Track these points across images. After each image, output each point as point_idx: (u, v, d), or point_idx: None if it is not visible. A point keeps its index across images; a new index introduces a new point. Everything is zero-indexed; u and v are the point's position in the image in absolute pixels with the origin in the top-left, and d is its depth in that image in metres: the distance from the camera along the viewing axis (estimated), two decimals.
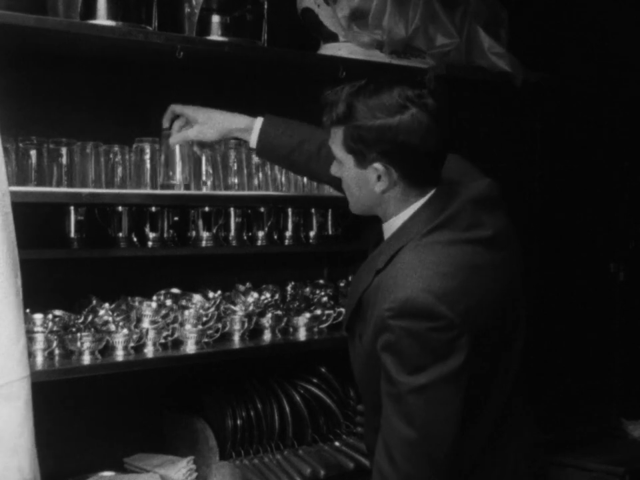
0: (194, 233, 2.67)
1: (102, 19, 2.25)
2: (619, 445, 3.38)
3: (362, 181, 1.87)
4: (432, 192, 1.86)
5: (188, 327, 2.43)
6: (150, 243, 2.59)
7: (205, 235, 2.67)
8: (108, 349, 2.30)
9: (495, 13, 3.07)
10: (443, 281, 1.73)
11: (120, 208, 2.51)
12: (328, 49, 2.81)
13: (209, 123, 2.34)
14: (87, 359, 2.24)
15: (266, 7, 2.52)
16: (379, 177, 1.83)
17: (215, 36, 2.45)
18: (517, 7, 3.27)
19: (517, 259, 1.94)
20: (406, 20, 2.75)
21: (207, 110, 2.37)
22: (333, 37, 2.80)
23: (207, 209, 2.66)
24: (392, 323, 1.72)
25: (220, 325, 2.48)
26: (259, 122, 2.32)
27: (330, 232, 2.97)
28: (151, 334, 2.37)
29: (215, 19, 2.45)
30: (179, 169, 2.41)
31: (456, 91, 2.82)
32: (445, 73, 2.79)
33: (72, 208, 2.42)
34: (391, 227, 1.90)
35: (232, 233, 2.73)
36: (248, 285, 2.74)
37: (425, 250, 1.79)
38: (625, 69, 3.60)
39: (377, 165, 1.82)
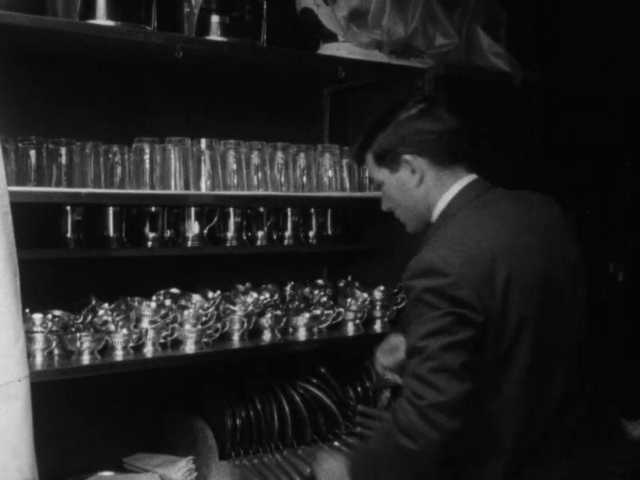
0: (193, 233, 2.67)
1: (101, 19, 2.25)
2: (618, 444, 3.38)
3: (400, 184, 2.03)
4: (468, 178, 2.01)
5: (187, 326, 2.43)
6: (149, 243, 2.59)
7: (203, 234, 2.66)
8: (107, 349, 2.31)
9: (494, 13, 3.08)
10: (456, 253, 1.81)
11: (119, 208, 2.51)
12: (327, 49, 2.82)
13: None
14: (86, 359, 2.24)
15: (265, 7, 2.53)
16: (412, 171, 2.00)
17: (214, 36, 2.46)
18: (516, 7, 3.27)
19: (567, 251, 2.08)
20: (405, 20, 2.75)
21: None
22: (332, 37, 2.81)
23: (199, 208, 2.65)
24: (407, 283, 1.85)
25: (219, 325, 2.48)
26: None
27: (329, 232, 2.96)
28: (151, 334, 2.37)
29: (214, 19, 2.45)
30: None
31: (455, 91, 2.82)
32: (444, 72, 2.79)
33: (68, 208, 2.42)
34: (436, 216, 2.02)
35: (231, 232, 2.73)
36: (247, 285, 2.74)
37: (454, 225, 1.91)
38: (624, 69, 3.60)
39: (406, 157, 1.99)
